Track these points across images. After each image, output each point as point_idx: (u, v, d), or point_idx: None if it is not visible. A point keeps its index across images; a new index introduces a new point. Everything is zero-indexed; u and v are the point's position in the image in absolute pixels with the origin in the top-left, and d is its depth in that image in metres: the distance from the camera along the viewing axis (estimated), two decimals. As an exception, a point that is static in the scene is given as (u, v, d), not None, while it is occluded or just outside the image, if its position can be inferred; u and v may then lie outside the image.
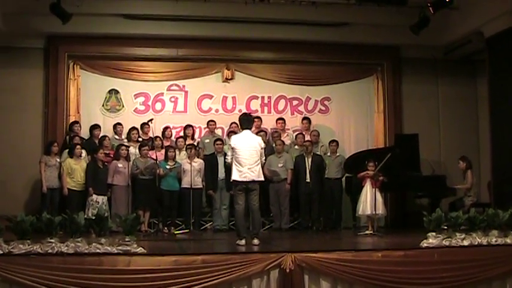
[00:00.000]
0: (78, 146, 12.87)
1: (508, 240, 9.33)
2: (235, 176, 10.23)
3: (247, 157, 10.18)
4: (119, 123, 14.22)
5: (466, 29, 14.30)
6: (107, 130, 14.20)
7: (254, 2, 13.35)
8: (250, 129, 10.67)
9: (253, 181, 10.19)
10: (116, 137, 13.99)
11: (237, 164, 10.22)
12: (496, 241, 9.27)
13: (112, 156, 13.11)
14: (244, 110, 14.51)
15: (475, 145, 15.77)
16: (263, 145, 10.54)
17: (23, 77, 14.31)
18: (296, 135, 14.65)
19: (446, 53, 15.63)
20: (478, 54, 15.12)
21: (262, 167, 10.65)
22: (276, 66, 15.66)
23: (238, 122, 11.50)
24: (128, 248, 8.13)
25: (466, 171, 13.68)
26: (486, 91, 14.30)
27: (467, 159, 13.87)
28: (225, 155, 12.82)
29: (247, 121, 10.67)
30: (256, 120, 13.17)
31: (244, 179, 10.16)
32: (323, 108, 15.73)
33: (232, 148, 10.31)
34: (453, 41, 15.01)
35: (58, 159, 12.82)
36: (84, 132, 13.96)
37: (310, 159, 13.64)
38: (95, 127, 13.94)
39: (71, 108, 14.50)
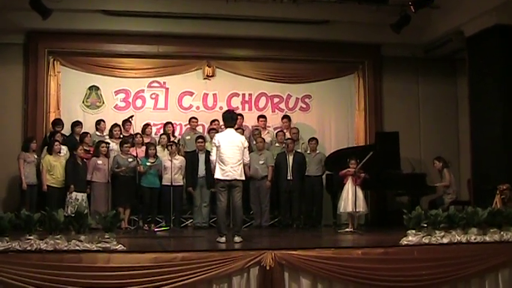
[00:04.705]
0: (56, 143, 12.80)
1: (487, 238, 9.36)
2: (218, 174, 10.16)
3: (230, 156, 10.10)
4: (102, 120, 14.16)
5: (446, 27, 14.41)
6: (87, 127, 14.11)
7: (235, -1, 13.37)
8: (233, 127, 10.61)
9: (236, 179, 10.16)
10: (98, 133, 13.95)
11: (220, 162, 10.13)
12: (475, 239, 9.29)
13: (92, 152, 13.05)
14: (225, 107, 14.48)
15: (454, 143, 15.90)
16: (246, 144, 10.44)
17: (2, 73, 14.18)
18: (276, 133, 14.67)
19: (426, 52, 15.73)
20: (458, 53, 15.27)
21: (245, 166, 10.67)
22: (257, 64, 15.67)
23: (221, 119, 11.31)
24: (108, 245, 8.08)
25: (443, 170, 13.77)
26: (466, 90, 14.43)
27: (442, 158, 13.99)
28: (207, 152, 12.82)
29: (230, 119, 10.55)
30: (239, 117, 13.11)
31: (227, 178, 10.09)
32: (304, 105, 15.76)
33: (217, 146, 10.24)
34: (434, 39, 15.11)
35: (36, 156, 12.75)
36: (64, 129, 13.85)
37: (291, 157, 13.67)
38: (76, 124, 13.88)
39: (51, 105, 14.43)
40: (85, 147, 13.01)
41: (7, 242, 7.80)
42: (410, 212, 9.31)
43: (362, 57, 15.85)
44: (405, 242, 9.06)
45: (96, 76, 14.90)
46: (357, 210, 12.30)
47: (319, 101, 15.85)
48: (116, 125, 13.89)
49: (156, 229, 12.88)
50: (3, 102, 14.17)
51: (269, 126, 15.10)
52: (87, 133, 13.61)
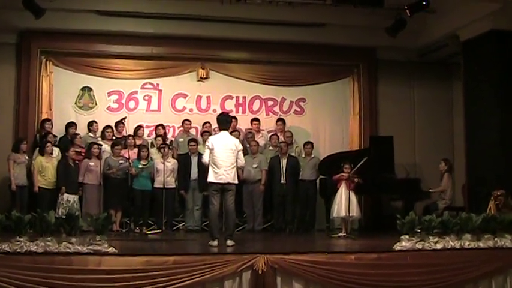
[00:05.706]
0: (48, 144, 12.70)
1: (481, 244, 9.35)
2: (211, 177, 10.11)
3: (224, 159, 10.06)
4: (94, 121, 14.06)
5: (442, 32, 14.40)
6: (79, 128, 14.01)
7: (230, 1, 13.32)
8: (227, 130, 10.56)
9: (229, 183, 10.10)
10: (91, 134, 13.86)
11: (213, 165, 10.08)
12: (468, 245, 9.29)
13: (84, 154, 12.97)
14: (218, 110, 14.43)
15: (449, 148, 15.83)
16: (240, 147, 10.41)
17: (-6, 72, 14.12)
18: (270, 136, 14.61)
19: (422, 56, 15.75)
20: (453, 58, 15.26)
21: (239, 169, 10.67)
22: (251, 66, 15.63)
23: (216, 122, 11.18)
24: (99, 247, 8.04)
25: (444, 174, 13.73)
26: (461, 94, 14.42)
27: (449, 162, 13.99)
28: (199, 154, 12.74)
29: (225, 122, 10.53)
30: (233, 120, 13.04)
31: (220, 181, 10.05)
32: (298, 109, 15.71)
33: (210, 149, 10.16)
34: (429, 43, 15.12)
35: (27, 157, 12.66)
36: (56, 130, 13.77)
37: (285, 161, 13.63)
38: (70, 125, 13.81)
39: (43, 105, 14.35)
40: (76, 149, 12.93)
41: (-3, 244, 7.75)
42: (404, 217, 9.27)
43: (357, 61, 15.82)
44: (398, 248, 9.03)
45: (88, 77, 14.81)
46: (350, 214, 12.26)
47: (314, 104, 15.80)
48: (108, 126, 13.77)
49: (147, 232, 12.80)
50: (-5, 103, 14.09)
51: (263, 130, 15.03)
52: (77, 134, 13.53)
